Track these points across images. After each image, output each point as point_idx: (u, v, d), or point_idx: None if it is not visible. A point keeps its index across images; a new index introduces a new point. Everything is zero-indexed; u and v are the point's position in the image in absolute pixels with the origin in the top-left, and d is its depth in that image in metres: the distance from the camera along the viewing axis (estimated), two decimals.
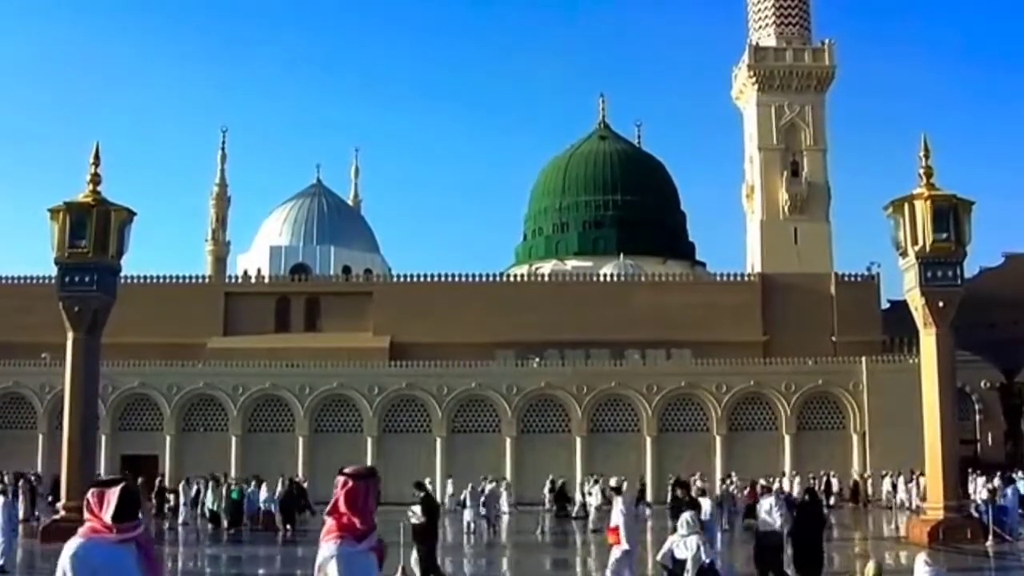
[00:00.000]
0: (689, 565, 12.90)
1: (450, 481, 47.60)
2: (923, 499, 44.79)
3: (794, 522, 17.95)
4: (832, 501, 45.56)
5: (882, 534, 36.43)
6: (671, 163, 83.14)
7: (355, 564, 5.20)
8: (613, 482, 17.89)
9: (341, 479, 5.36)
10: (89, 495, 5.23)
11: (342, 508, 5.29)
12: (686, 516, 14.04)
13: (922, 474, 45.52)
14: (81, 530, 5.18)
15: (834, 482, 49.10)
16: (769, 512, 17.32)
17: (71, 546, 5.09)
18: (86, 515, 5.22)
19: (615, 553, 15.44)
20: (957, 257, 28.56)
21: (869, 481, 51.46)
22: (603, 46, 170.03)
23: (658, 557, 15.03)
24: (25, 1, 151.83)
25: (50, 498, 39.02)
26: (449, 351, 55.63)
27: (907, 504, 45.11)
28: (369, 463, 52.28)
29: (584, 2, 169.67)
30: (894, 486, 47.86)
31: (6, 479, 36.83)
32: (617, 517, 16.11)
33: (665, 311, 60.20)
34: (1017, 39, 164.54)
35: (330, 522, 5.34)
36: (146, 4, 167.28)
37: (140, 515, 5.37)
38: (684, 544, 13.28)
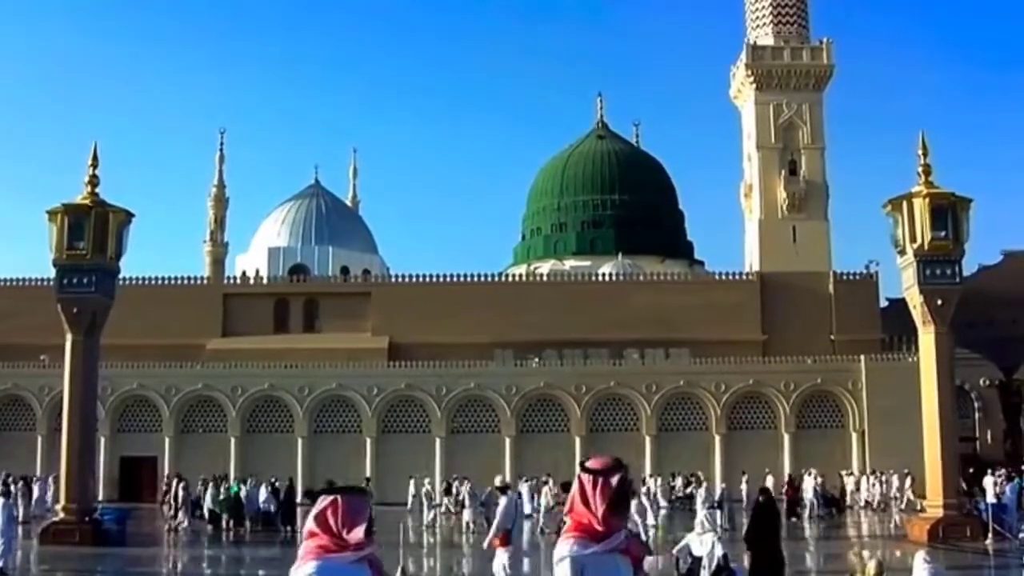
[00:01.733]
0: (705, 562, 13.31)
1: (525, 484, 40.13)
2: (888, 499, 45.10)
3: (750, 524, 17.91)
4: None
5: (877, 532, 36.40)
6: (669, 162, 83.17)
7: (592, 567, 4.63)
8: (497, 481, 17.52)
9: (578, 473, 4.80)
10: (325, 507, 4.48)
11: (577, 506, 4.72)
12: (702, 516, 14.44)
13: (875, 473, 45.73)
14: (306, 550, 4.47)
15: (808, 482, 43.12)
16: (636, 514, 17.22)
17: (304, 571, 4.40)
18: (313, 527, 4.48)
19: (500, 556, 15.50)
20: (956, 255, 28.58)
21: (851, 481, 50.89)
22: (601, 46, 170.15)
23: (675, 551, 15.19)
24: (23, 2, 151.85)
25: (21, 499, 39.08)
26: (448, 351, 55.63)
27: (868, 503, 45.20)
28: (368, 464, 52.34)
29: (581, 2, 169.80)
30: (858, 485, 47.79)
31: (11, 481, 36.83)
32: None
33: (664, 310, 60.19)
34: (1015, 37, 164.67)
35: (568, 521, 4.80)
36: (144, 5, 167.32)
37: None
38: (700, 542, 13.67)
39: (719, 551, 13.60)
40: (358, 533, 4.42)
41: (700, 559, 13.67)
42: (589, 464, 4.76)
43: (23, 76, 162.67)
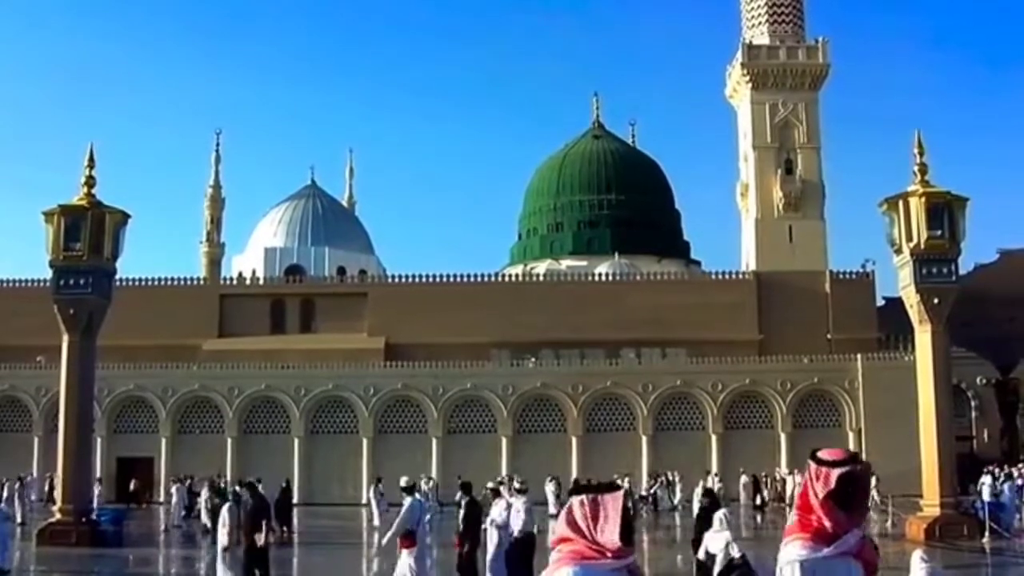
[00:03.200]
0: (719, 557, 13.75)
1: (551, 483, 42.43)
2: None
3: (695, 526, 18.30)
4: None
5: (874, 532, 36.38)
6: (665, 162, 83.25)
7: (821, 572, 4.23)
8: (403, 482, 17.48)
9: (808, 461, 4.39)
10: (575, 508, 4.02)
11: (803, 501, 4.32)
12: (720, 514, 14.89)
13: (795, 472, 45.63)
14: (561, 555, 4.01)
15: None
16: (519, 513, 17.35)
17: None
18: (566, 532, 4.03)
19: (405, 558, 15.55)
20: (952, 254, 28.60)
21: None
22: (597, 45, 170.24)
23: (699, 555, 15.45)
24: (22, 2, 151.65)
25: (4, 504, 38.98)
26: (444, 351, 55.59)
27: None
28: (365, 464, 52.26)
29: (577, 2, 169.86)
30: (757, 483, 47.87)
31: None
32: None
33: (660, 310, 60.18)
34: (1011, 35, 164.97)
35: (792, 518, 4.40)
36: (141, 6, 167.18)
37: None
38: (715, 539, 14.18)
39: (735, 552, 14.08)
40: (613, 536, 3.94)
41: (715, 556, 14.27)
42: (820, 453, 4.34)
43: (19, 76, 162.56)
